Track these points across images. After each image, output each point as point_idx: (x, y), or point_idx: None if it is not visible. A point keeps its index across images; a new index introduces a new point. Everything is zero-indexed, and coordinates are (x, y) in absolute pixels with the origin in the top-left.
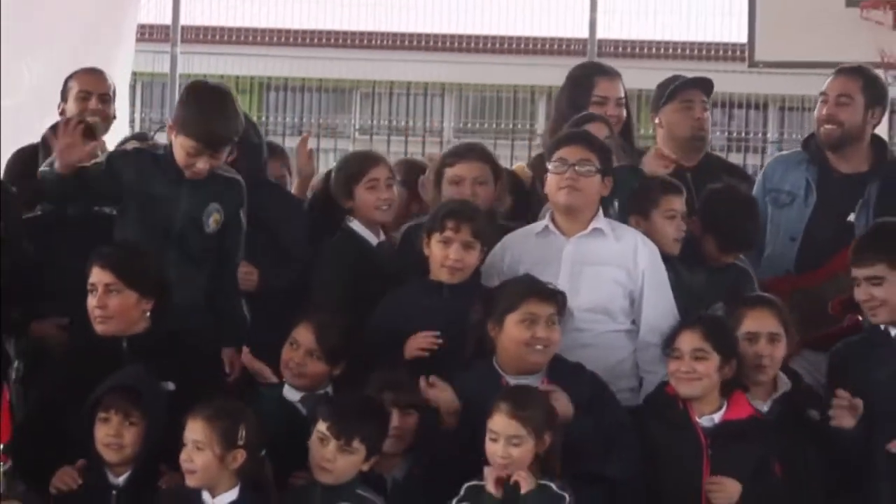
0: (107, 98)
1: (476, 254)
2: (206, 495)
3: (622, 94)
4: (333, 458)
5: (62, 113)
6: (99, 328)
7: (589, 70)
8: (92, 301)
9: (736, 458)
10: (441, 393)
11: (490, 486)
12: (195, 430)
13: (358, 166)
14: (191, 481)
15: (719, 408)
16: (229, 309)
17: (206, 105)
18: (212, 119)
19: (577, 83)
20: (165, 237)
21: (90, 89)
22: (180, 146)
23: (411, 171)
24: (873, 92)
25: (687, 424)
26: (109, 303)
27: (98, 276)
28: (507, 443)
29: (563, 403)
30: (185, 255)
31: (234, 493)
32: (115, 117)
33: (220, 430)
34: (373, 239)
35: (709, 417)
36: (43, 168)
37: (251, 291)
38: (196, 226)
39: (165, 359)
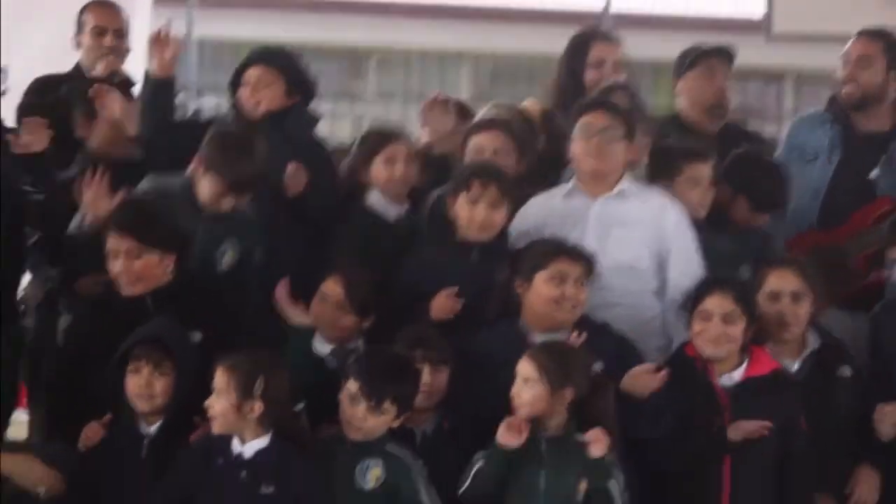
0: (121, 33)
1: (503, 213)
2: (235, 442)
3: (619, 59)
4: (364, 417)
5: (78, 45)
6: (126, 291)
7: (586, 34)
8: (115, 266)
9: (759, 415)
10: None
11: (499, 434)
12: (217, 377)
13: (377, 141)
14: (213, 427)
15: (739, 365)
16: None
17: (238, 147)
18: (242, 161)
19: (574, 47)
20: None
21: (105, 24)
22: (207, 185)
23: None
24: (894, 54)
25: (706, 385)
26: (134, 267)
27: (117, 242)
28: (521, 383)
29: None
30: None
31: (263, 441)
32: (129, 50)
33: (237, 380)
34: (390, 212)
35: (728, 376)
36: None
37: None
38: (209, 263)
39: (190, 308)
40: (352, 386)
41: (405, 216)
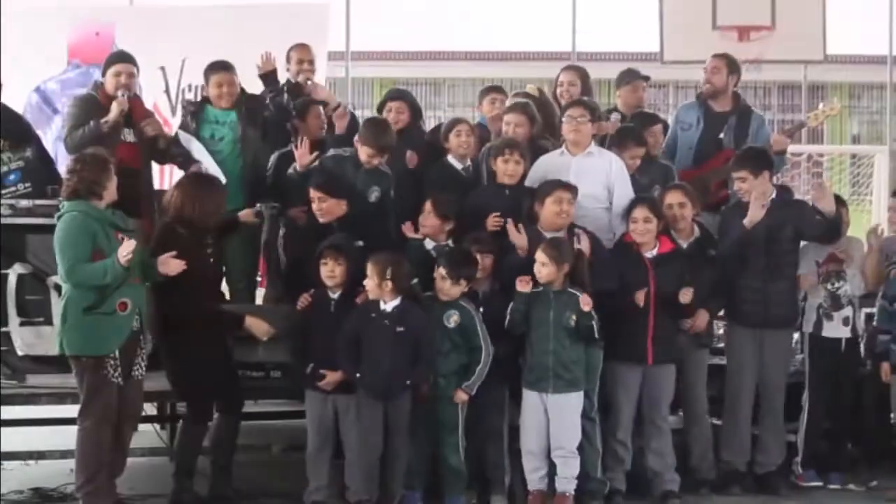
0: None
1: (522, 168)
2: (381, 303)
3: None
4: (449, 289)
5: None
6: (321, 220)
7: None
8: (315, 205)
9: (667, 273)
10: None
11: (518, 285)
12: (368, 266)
13: (450, 125)
14: (369, 295)
15: (655, 247)
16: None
17: (380, 128)
18: (381, 136)
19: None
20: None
21: (303, 57)
22: (363, 151)
23: None
24: (732, 67)
25: (638, 258)
26: (324, 206)
27: (314, 193)
28: (540, 265)
29: (586, 243)
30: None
31: (396, 301)
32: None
33: (377, 268)
34: (459, 166)
35: (650, 252)
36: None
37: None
38: (364, 198)
39: (357, 228)
40: (441, 270)
41: (468, 168)
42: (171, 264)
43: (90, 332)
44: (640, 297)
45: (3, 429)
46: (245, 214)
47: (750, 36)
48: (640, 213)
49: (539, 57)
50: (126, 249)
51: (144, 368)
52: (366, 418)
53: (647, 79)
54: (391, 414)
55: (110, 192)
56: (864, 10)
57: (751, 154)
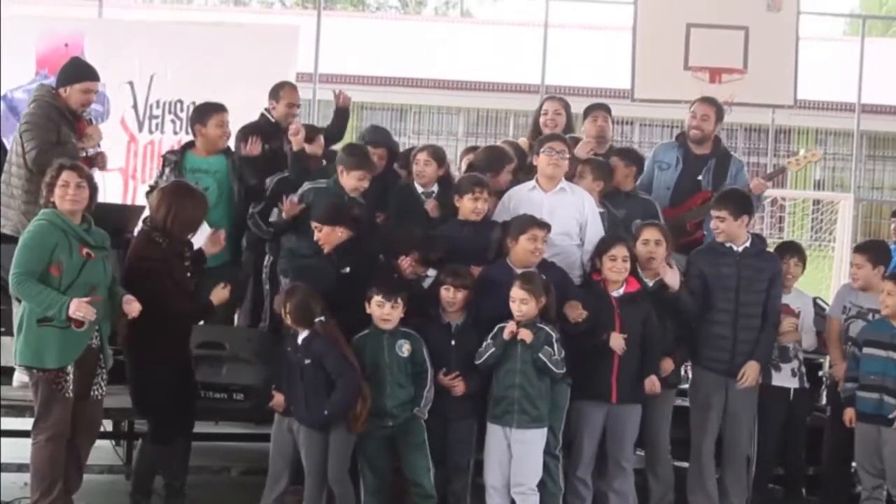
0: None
1: (489, 206)
2: (298, 336)
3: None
4: (389, 313)
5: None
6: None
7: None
8: (316, 235)
9: (632, 313)
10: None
11: (505, 334)
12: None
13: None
14: None
15: (622, 286)
16: None
17: (364, 151)
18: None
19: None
20: None
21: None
22: (352, 177)
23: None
24: (720, 113)
25: (604, 296)
26: (321, 237)
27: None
28: (519, 301)
29: (576, 310)
30: None
31: (305, 333)
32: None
33: (280, 300)
34: (421, 190)
35: (616, 291)
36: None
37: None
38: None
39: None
40: (376, 297)
41: (431, 194)
42: (133, 306)
43: (43, 345)
44: (615, 340)
45: None
46: (217, 296)
47: (722, 78)
48: (620, 251)
49: (508, 88)
50: (83, 310)
51: (104, 386)
52: (307, 446)
53: (609, 110)
54: (332, 441)
55: (57, 205)
56: (833, 58)
57: (734, 196)
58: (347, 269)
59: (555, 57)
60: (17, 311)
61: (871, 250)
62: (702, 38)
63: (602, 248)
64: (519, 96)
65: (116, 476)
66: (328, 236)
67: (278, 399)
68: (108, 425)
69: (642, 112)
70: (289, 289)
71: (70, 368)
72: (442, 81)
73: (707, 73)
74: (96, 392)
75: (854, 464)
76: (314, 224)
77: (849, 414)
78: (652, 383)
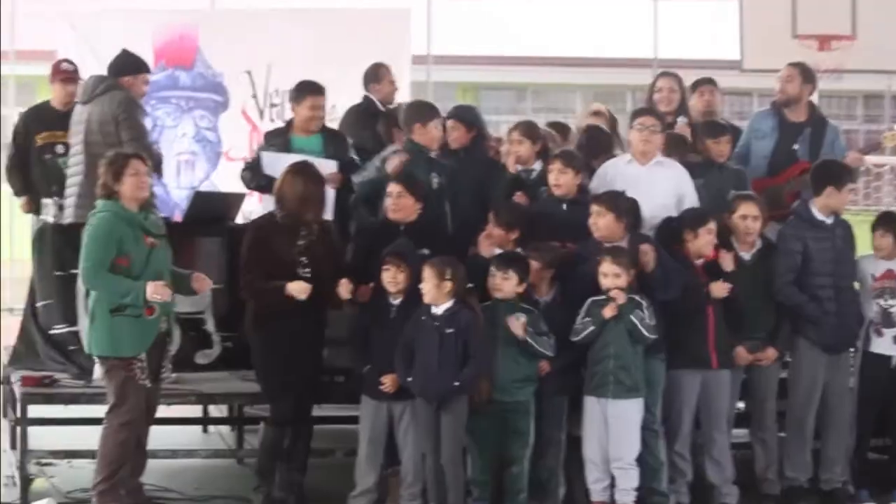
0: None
1: (572, 179)
2: (433, 307)
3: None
4: (500, 283)
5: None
6: (393, 215)
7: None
8: (388, 201)
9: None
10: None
11: (606, 313)
12: (425, 272)
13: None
14: (425, 299)
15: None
16: None
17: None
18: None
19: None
20: None
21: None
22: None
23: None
24: (807, 76)
25: (691, 266)
26: (398, 202)
27: (393, 187)
28: (612, 276)
29: (649, 256)
30: None
31: (449, 304)
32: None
33: (434, 270)
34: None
35: (700, 261)
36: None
37: None
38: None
39: (424, 236)
40: (492, 268)
41: (530, 172)
42: (203, 283)
43: (116, 334)
44: (718, 288)
45: (67, 427)
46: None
47: (831, 45)
48: (714, 226)
49: (620, 63)
50: (160, 293)
51: (171, 370)
52: (420, 424)
53: (713, 83)
54: (445, 420)
55: (128, 193)
56: None
57: (833, 167)
58: (426, 251)
59: (665, 29)
60: (81, 303)
61: None
62: (809, 5)
63: (697, 221)
64: (632, 71)
65: (228, 460)
66: (406, 206)
67: (390, 380)
68: (215, 411)
69: (759, 82)
70: (446, 260)
71: (143, 356)
72: (555, 59)
73: (816, 40)
74: (164, 374)
75: None
76: (392, 187)
77: None
78: (742, 354)
